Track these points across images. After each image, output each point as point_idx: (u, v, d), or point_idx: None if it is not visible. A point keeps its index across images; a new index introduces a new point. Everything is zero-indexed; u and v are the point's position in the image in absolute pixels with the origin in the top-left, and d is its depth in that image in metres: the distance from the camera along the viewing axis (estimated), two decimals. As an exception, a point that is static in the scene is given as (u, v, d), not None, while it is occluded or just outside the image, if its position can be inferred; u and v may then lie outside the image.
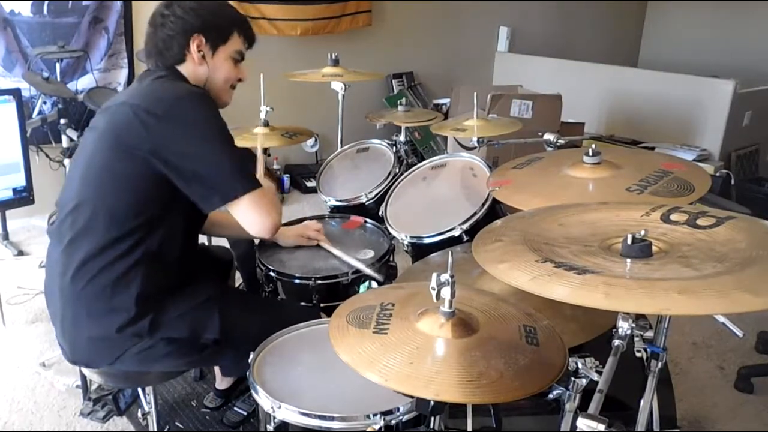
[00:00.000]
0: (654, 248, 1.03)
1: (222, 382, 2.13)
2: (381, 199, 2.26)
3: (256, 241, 1.99)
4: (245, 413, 2.03)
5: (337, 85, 2.90)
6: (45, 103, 3.41)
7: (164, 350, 1.49)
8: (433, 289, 1.06)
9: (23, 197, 2.75)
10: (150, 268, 1.47)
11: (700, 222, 1.10)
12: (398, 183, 2.30)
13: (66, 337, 1.52)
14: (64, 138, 3.29)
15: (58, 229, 1.51)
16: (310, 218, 2.16)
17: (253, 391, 1.34)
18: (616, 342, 1.07)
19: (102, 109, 1.55)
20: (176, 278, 1.54)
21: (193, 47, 1.55)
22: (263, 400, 1.30)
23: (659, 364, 1.15)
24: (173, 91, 1.47)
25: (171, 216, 1.49)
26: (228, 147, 1.47)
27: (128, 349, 1.47)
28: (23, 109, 2.75)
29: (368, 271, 1.82)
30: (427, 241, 1.99)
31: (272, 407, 1.27)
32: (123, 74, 3.79)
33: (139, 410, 1.74)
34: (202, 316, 1.53)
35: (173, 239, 1.52)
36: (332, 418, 1.23)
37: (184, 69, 1.57)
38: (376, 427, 1.21)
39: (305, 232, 1.98)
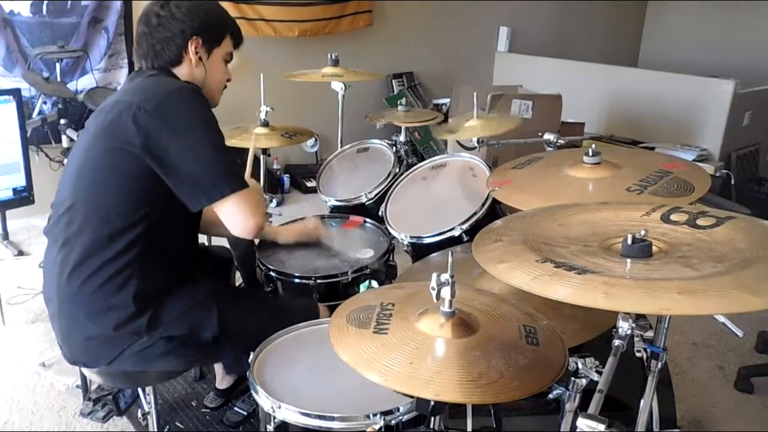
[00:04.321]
0: (654, 248, 1.03)
1: (222, 382, 2.12)
2: (381, 199, 2.26)
3: (256, 241, 1.99)
4: (245, 413, 2.03)
5: (337, 85, 2.90)
6: (45, 103, 3.41)
7: (163, 349, 1.49)
8: (433, 289, 1.06)
9: (23, 197, 2.76)
10: (146, 266, 1.47)
11: (700, 222, 1.10)
12: (398, 183, 2.30)
13: (64, 338, 1.52)
14: (64, 138, 3.29)
15: (53, 230, 1.52)
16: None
17: (253, 391, 1.34)
18: (616, 342, 1.07)
19: (95, 111, 1.55)
20: (174, 276, 1.54)
21: (191, 49, 1.55)
22: (263, 400, 1.30)
23: (659, 364, 1.15)
24: (164, 87, 1.47)
25: (167, 214, 1.49)
26: (217, 145, 1.46)
27: (126, 348, 1.47)
28: (23, 109, 2.76)
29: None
30: (427, 241, 1.99)
31: (272, 407, 1.27)
32: (123, 74, 3.79)
33: (139, 410, 1.73)
34: (200, 314, 1.52)
35: (170, 237, 1.52)
36: (332, 418, 1.23)
37: (180, 70, 1.57)
38: (376, 427, 1.21)
39: (304, 229, 1.99)
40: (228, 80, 1.68)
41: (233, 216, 1.47)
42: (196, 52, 1.55)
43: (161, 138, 1.41)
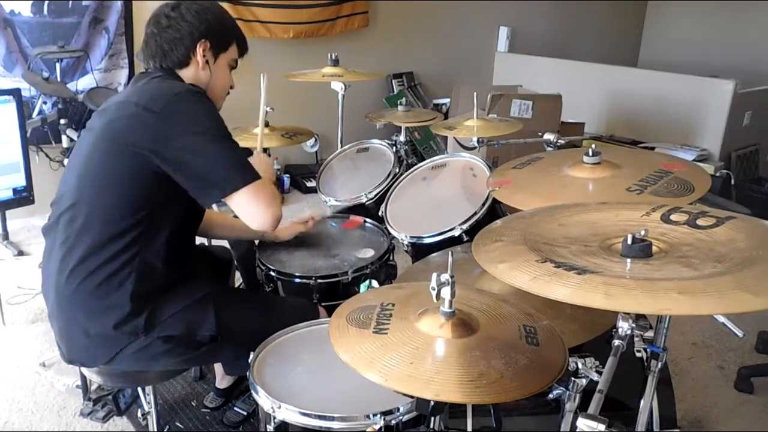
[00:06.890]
0: (654, 248, 1.03)
1: (222, 382, 2.13)
2: (381, 199, 2.26)
3: (256, 241, 1.99)
4: (245, 413, 2.03)
5: (337, 85, 2.90)
6: (45, 103, 3.41)
7: (161, 348, 1.49)
8: (433, 289, 1.06)
9: (23, 197, 2.75)
10: (144, 266, 1.47)
11: (700, 222, 1.10)
12: (398, 183, 2.29)
13: (62, 336, 1.52)
14: (64, 138, 3.29)
15: (52, 228, 1.52)
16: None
17: (253, 391, 1.34)
18: (616, 342, 1.07)
19: (98, 111, 1.55)
20: (171, 276, 1.54)
21: (199, 52, 1.56)
22: (263, 400, 1.30)
23: (659, 364, 1.15)
24: (171, 89, 1.48)
25: (167, 214, 1.50)
26: (226, 141, 1.47)
27: (124, 348, 1.47)
28: (23, 109, 2.75)
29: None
30: (427, 241, 1.99)
31: (272, 407, 1.27)
32: (123, 74, 3.79)
33: (139, 410, 1.74)
34: (197, 314, 1.53)
35: (168, 238, 1.52)
36: (332, 418, 1.23)
37: (186, 73, 1.58)
38: (376, 427, 1.21)
39: (298, 220, 2.01)
40: (231, 87, 1.70)
41: (249, 209, 1.48)
42: (204, 55, 1.57)
43: (170, 137, 1.42)
